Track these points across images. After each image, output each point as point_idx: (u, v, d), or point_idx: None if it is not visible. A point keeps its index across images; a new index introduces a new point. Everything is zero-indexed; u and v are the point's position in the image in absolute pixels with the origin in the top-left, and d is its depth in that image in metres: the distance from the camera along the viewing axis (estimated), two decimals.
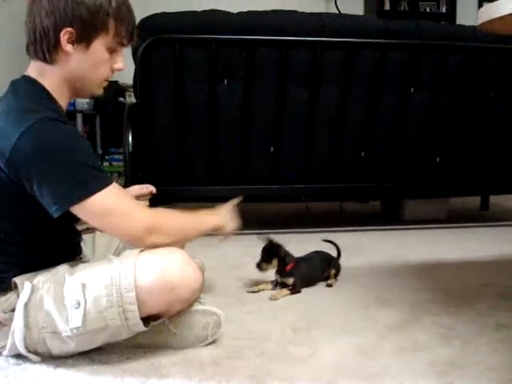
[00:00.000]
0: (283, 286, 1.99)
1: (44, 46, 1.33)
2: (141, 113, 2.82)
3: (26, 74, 1.39)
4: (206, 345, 1.47)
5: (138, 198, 1.82)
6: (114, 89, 4.53)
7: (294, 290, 1.96)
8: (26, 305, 1.30)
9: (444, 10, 5.86)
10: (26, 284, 1.33)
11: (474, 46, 2.97)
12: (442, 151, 3.14)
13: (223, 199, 1.76)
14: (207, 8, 2.81)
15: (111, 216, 1.32)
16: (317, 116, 2.91)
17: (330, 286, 2.05)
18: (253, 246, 2.74)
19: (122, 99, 4.76)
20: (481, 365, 1.37)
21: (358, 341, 1.53)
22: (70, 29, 1.32)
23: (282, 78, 2.82)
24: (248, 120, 2.86)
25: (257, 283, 2.02)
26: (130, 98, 4.55)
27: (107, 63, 1.41)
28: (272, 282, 2.02)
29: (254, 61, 2.77)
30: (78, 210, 1.29)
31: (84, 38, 1.34)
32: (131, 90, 3.66)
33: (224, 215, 1.66)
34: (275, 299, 1.89)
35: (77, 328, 1.29)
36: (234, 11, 2.81)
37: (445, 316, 1.72)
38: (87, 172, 1.29)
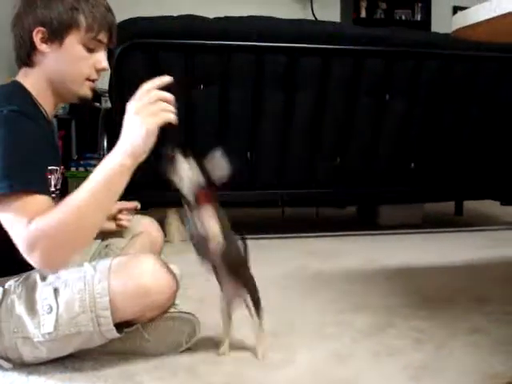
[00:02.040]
0: None
1: (23, 50, 1.39)
2: (116, 118, 2.80)
3: (14, 79, 1.43)
4: (181, 351, 1.46)
5: (122, 211, 1.79)
6: None
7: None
8: None
9: (419, 18, 5.93)
10: None
11: (448, 53, 3.01)
12: (416, 157, 3.17)
13: None
14: (184, 13, 2.81)
15: (11, 223, 1.22)
16: (293, 121, 2.92)
17: None
18: None
19: (97, 104, 4.72)
20: (455, 368, 1.38)
21: (333, 346, 1.53)
22: (41, 28, 1.36)
23: (259, 84, 2.82)
24: (224, 125, 2.85)
25: None
26: (106, 103, 4.51)
27: (86, 61, 1.42)
28: None
29: (231, 66, 2.77)
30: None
31: (56, 36, 1.37)
32: (107, 95, 3.63)
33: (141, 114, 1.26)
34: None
35: (49, 333, 1.27)
36: (211, 16, 2.81)
37: (419, 320, 1.73)
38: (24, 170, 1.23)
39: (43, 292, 1.30)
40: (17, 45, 1.40)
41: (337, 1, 5.80)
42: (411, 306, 1.87)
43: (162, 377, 1.32)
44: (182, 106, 2.75)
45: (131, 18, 2.72)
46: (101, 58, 1.45)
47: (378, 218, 3.57)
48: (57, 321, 1.27)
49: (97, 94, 4.64)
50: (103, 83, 2.70)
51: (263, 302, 1.87)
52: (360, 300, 1.95)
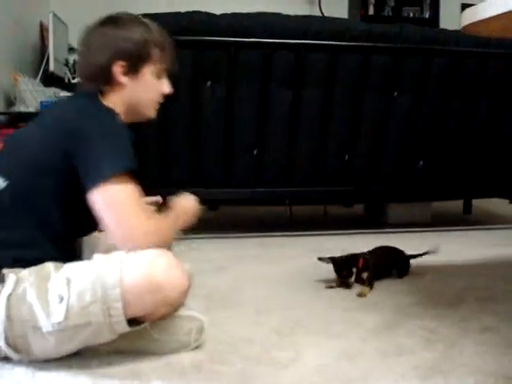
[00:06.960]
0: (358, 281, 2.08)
1: (100, 80, 1.52)
2: None
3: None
4: (189, 350, 1.45)
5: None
6: None
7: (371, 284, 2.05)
8: (9, 296, 1.28)
9: (427, 16, 5.89)
10: (11, 276, 1.31)
11: (456, 50, 2.98)
12: (425, 155, 3.15)
13: (205, 202, 1.75)
14: (190, 9, 2.79)
15: (119, 210, 1.37)
16: (300, 118, 2.90)
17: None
18: (236, 248, 2.72)
19: None
20: (465, 368, 1.36)
21: (341, 344, 1.51)
22: (121, 62, 1.50)
23: (266, 81, 2.81)
24: (231, 122, 2.84)
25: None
26: None
27: (156, 87, 1.59)
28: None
29: (238, 63, 2.75)
30: (100, 190, 1.34)
31: (134, 68, 1.53)
32: None
33: (189, 206, 1.70)
34: (364, 296, 1.96)
35: (58, 323, 1.26)
36: (218, 13, 2.80)
37: (428, 319, 1.71)
38: (129, 157, 1.39)
39: (56, 282, 1.30)
40: (92, 74, 1.52)
41: None
42: (420, 305, 1.86)
43: (170, 376, 1.31)
44: (188, 103, 2.76)
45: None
46: (166, 84, 1.62)
47: (386, 217, 3.56)
48: (67, 310, 1.26)
49: None
50: None
51: (270, 301, 1.87)
52: (368, 299, 1.93)
